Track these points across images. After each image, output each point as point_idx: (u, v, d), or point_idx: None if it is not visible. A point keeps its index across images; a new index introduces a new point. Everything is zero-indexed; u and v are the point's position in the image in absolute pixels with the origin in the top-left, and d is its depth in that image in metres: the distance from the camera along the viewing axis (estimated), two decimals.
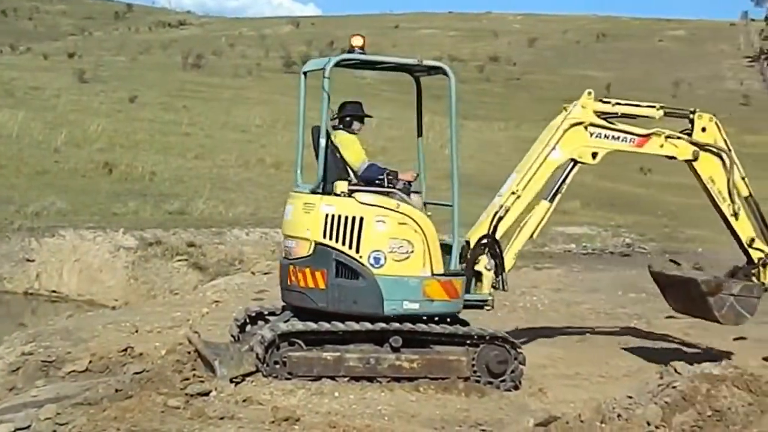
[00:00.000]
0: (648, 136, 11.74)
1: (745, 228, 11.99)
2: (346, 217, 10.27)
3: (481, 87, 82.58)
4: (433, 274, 10.47)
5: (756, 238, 11.99)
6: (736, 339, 13.11)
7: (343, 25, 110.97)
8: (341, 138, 10.98)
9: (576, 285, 18.88)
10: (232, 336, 11.32)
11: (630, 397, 8.75)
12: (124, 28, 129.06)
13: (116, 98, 51.40)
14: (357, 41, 10.68)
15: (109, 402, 9.04)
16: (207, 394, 9.43)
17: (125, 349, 11.59)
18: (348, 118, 11.13)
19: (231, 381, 9.74)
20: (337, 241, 10.28)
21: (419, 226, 10.42)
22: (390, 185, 10.67)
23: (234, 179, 32.08)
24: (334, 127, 11.14)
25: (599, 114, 11.66)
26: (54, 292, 21.29)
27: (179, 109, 49.68)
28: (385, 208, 10.38)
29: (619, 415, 8.42)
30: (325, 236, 10.30)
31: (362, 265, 10.28)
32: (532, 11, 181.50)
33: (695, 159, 11.81)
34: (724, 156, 11.87)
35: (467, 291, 10.93)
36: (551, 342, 13.25)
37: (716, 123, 11.93)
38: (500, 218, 11.19)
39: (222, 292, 16.96)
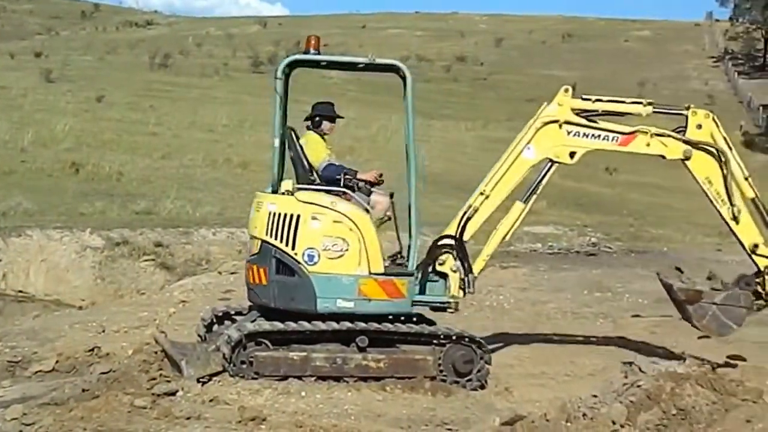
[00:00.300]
0: (633, 134, 11.15)
1: (747, 232, 11.20)
2: (285, 215, 10.39)
3: (448, 87, 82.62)
4: (370, 273, 10.50)
5: (761, 243, 11.19)
6: (700, 338, 13.10)
7: (310, 25, 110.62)
8: (307, 138, 11.10)
9: (542, 284, 18.93)
10: (199, 336, 11.34)
11: (595, 396, 8.80)
12: (91, 27, 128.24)
13: (83, 98, 51.04)
14: (311, 42, 10.75)
15: (75, 402, 9.03)
16: (174, 394, 9.44)
17: (92, 349, 11.58)
18: (317, 118, 11.23)
19: (198, 381, 9.75)
20: (276, 238, 10.40)
21: (355, 224, 10.44)
22: (347, 185, 10.73)
23: (201, 179, 31.93)
24: (307, 128, 11.25)
25: (579, 112, 11.20)
26: (20, 292, 21.11)
27: (146, 109, 49.41)
28: (320, 206, 10.45)
29: (584, 414, 8.47)
30: (267, 234, 10.44)
31: (297, 262, 10.36)
32: (498, 12, 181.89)
33: (687, 158, 11.16)
34: (723, 155, 11.11)
35: (422, 292, 10.96)
36: (517, 341, 13.27)
37: (714, 119, 11.20)
38: (468, 219, 11.02)
39: (189, 291, 16.95)
